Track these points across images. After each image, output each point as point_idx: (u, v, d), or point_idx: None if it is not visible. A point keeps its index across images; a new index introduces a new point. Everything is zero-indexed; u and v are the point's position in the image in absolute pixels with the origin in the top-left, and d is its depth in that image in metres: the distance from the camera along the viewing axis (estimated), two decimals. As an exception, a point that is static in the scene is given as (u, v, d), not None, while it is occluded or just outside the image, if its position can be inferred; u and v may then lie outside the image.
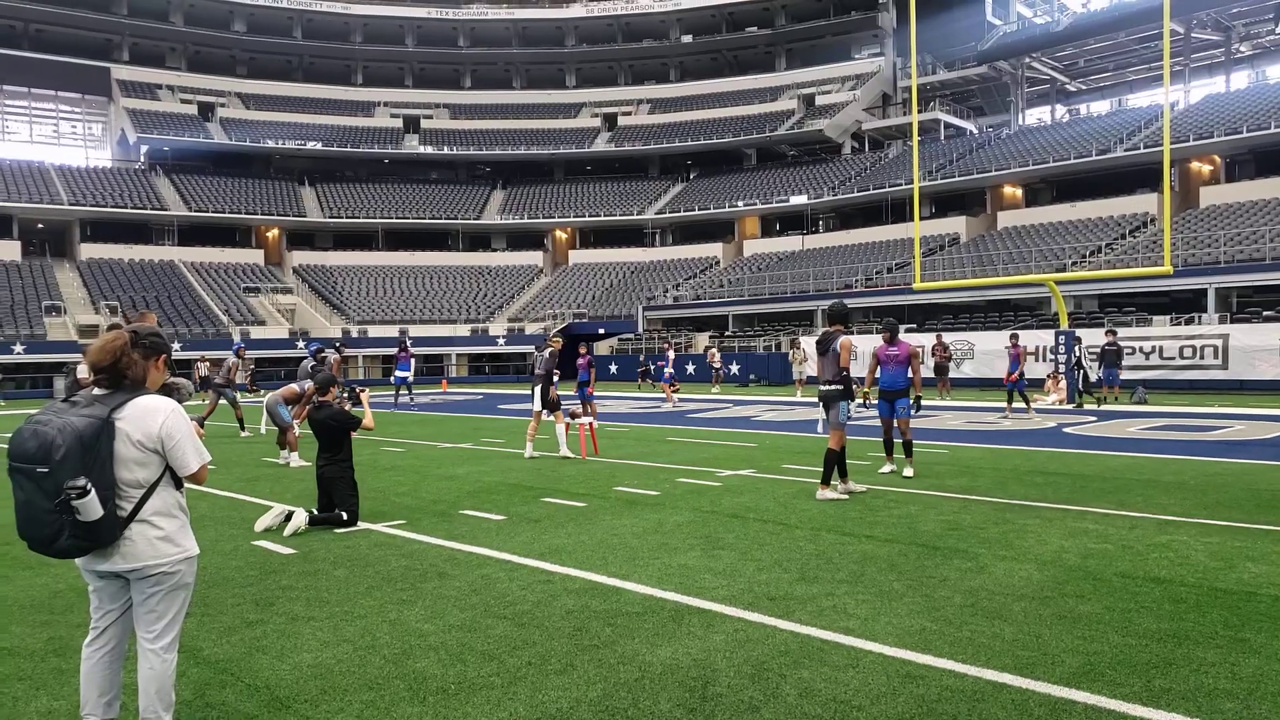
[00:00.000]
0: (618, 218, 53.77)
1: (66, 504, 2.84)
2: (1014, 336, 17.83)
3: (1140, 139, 38.12)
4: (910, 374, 9.64)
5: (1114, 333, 21.39)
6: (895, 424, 9.82)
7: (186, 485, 3.22)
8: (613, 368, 39.46)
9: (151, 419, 3.04)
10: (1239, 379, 22.41)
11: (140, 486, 3.04)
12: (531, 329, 44.22)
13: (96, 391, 3.07)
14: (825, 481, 8.33)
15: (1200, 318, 26.37)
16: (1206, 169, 37.40)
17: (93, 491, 2.87)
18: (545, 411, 12.08)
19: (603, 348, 41.75)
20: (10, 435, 3.08)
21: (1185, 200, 36.37)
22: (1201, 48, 45.88)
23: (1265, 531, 6.55)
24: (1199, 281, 27.15)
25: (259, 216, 50.83)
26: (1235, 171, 37.02)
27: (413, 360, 25.19)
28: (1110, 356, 20.32)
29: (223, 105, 56.90)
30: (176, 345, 32.89)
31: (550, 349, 12.34)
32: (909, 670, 3.97)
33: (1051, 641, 4.29)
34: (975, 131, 50.95)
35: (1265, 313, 25.09)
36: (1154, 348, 23.68)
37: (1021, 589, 5.19)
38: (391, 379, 24.57)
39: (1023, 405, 17.31)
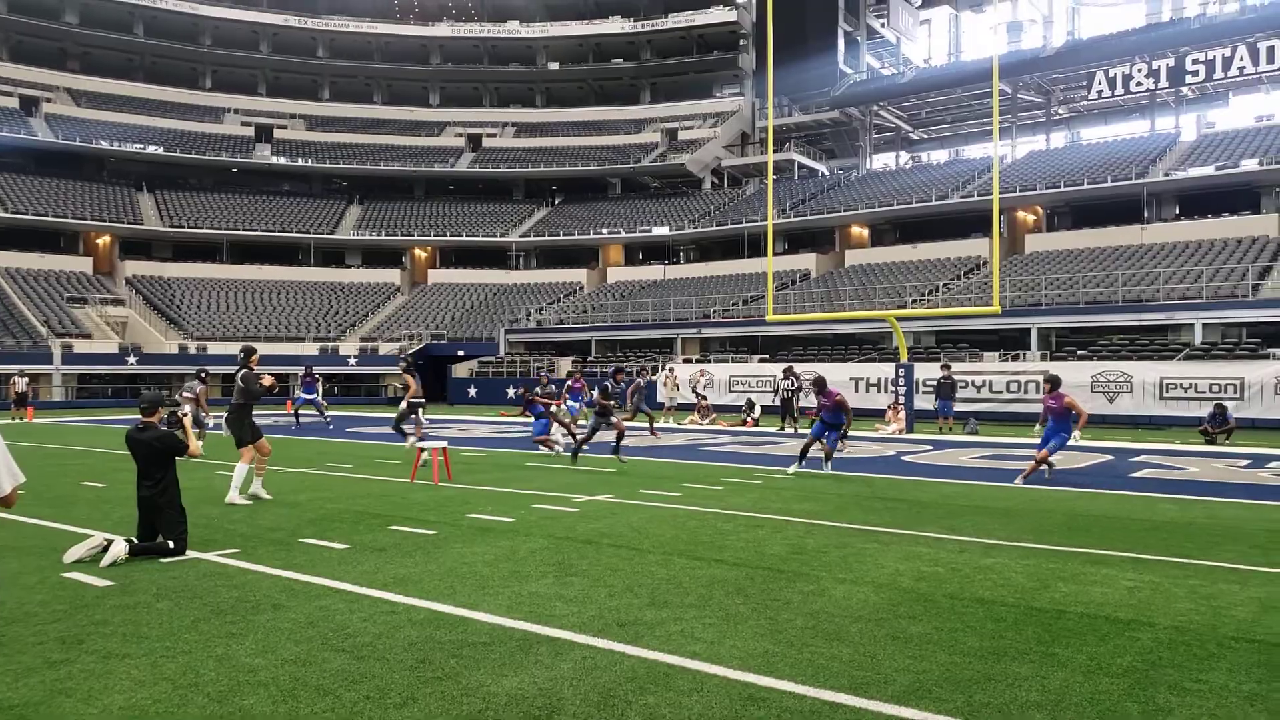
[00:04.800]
0: (480, 239, 53.21)
1: None
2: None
3: (974, 187, 41.17)
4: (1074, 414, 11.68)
5: (949, 367, 22.90)
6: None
7: None
8: (472, 390, 38.85)
9: None
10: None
11: None
12: (385, 349, 42.94)
13: None
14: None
15: (1025, 355, 28.54)
16: (1031, 218, 40.77)
17: None
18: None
19: (461, 370, 41.01)
20: None
21: (1013, 246, 39.46)
22: (1026, 107, 50.15)
23: (1077, 554, 7.10)
24: (1024, 321, 29.47)
25: (88, 222, 47.21)
26: (1055, 222, 40.56)
27: (318, 383, 25.10)
28: (945, 389, 21.69)
29: (49, 100, 52.78)
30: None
31: (247, 370, 10.25)
32: (751, 693, 4.05)
33: (885, 661, 4.48)
34: (827, 173, 53.67)
35: (1079, 352, 27.46)
36: (984, 382, 25.43)
37: (859, 610, 5.41)
38: (295, 400, 24.14)
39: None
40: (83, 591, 5.90)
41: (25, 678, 4.26)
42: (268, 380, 10.33)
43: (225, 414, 10.46)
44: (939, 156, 55.29)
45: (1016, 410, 24.88)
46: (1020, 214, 40.61)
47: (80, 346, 37.17)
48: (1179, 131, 42.81)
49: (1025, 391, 24.75)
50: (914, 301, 34.07)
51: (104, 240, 48.28)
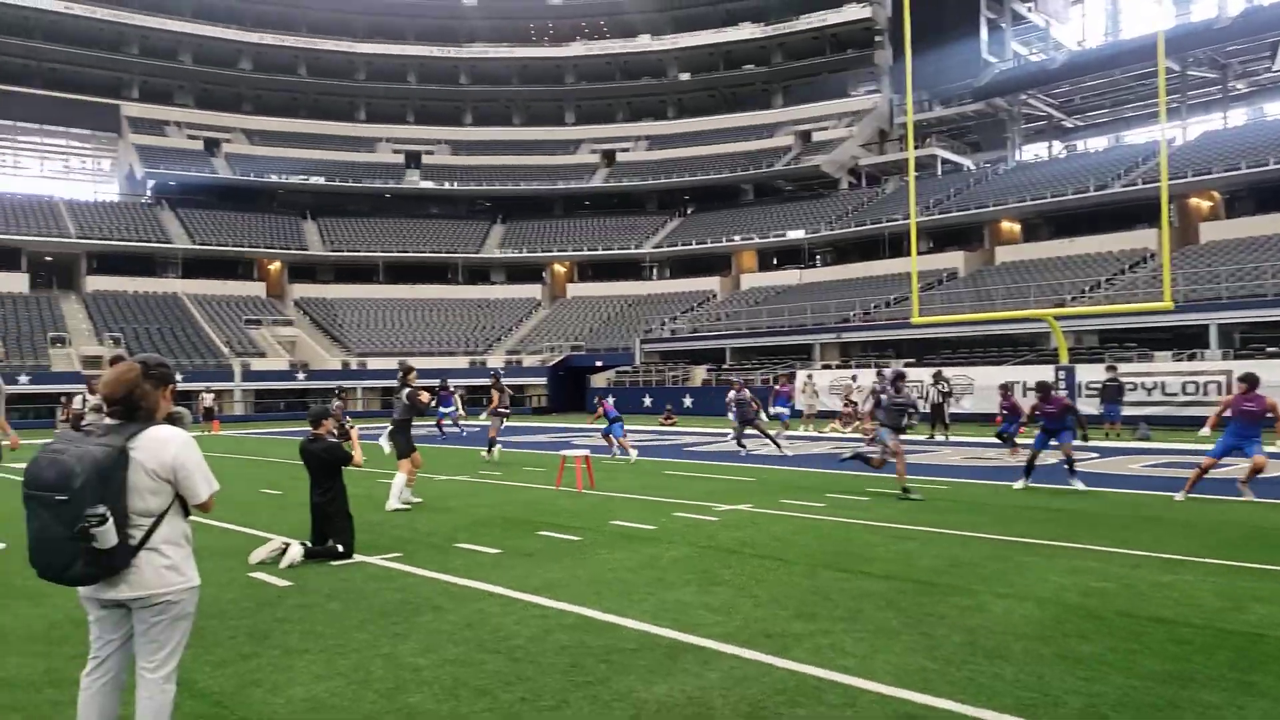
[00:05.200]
0: (615, 251, 54.07)
1: (85, 532, 2.87)
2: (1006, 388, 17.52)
3: (1138, 175, 38.38)
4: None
5: (1115, 368, 21.38)
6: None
7: (192, 515, 3.23)
8: (610, 400, 39.39)
9: (164, 449, 3.09)
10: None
11: (151, 515, 3.07)
12: (529, 361, 44.25)
13: (109, 422, 3.12)
14: None
15: (1203, 354, 26.34)
16: (1206, 205, 37.61)
17: (110, 519, 2.90)
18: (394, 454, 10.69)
19: (600, 379, 41.74)
20: (27, 465, 3.09)
21: (1185, 236, 36.53)
22: (1198, 85, 46.40)
23: (1273, 572, 6.47)
24: (1201, 317, 27.16)
25: (261, 249, 51.16)
26: (1235, 208, 37.21)
27: (455, 396, 26.41)
28: (1111, 392, 20.30)
29: (228, 141, 57.57)
30: (179, 376, 32.95)
31: (410, 388, 10.71)
32: (907, 710, 3.91)
33: (1053, 682, 4.23)
34: (972, 167, 51.36)
35: (1269, 349, 25.06)
36: (1156, 384, 23.62)
37: (1021, 627, 5.12)
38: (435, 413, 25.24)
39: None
40: (265, 591, 6.37)
41: (221, 668, 4.64)
42: (425, 396, 10.97)
43: (388, 427, 11.10)
44: (1097, 144, 52.02)
45: (1194, 414, 22.92)
46: (1193, 201, 37.54)
47: (256, 364, 40.22)
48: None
49: (1204, 393, 22.83)
50: (1073, 299, 32.10)
51: (275, 266, 52.16)
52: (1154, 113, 46.38)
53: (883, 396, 12.32)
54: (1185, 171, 36.34)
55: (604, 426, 16.88)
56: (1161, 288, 19.91)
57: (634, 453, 16.24)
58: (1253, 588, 6.01)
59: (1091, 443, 18.86)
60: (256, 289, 50.49)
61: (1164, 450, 16.66)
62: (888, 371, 13.81)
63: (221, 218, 52.79)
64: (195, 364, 38.06)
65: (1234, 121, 45.17)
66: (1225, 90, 45.86)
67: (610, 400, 17.70)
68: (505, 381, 18.91)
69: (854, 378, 25.77)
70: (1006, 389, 17.59)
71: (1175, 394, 23.26)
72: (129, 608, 3.10)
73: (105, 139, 56.88)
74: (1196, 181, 36.39)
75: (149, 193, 53.38)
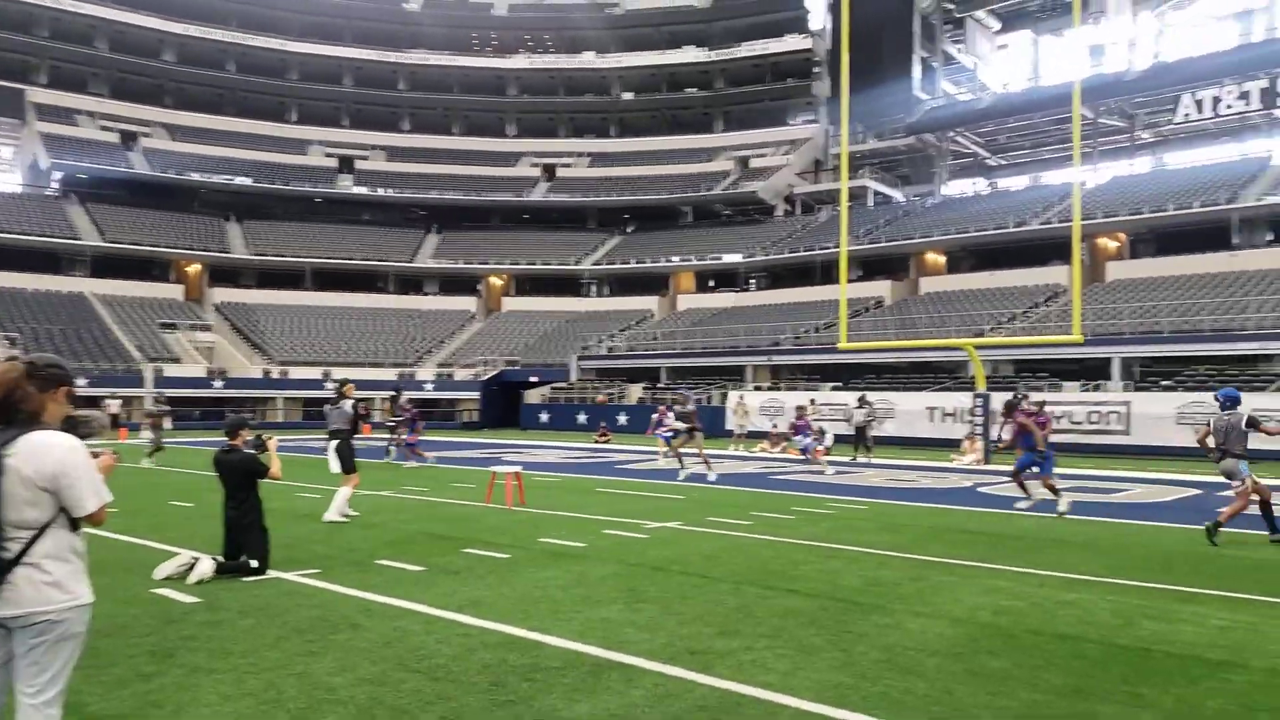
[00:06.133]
0: (554, 266, 53.95)
1: None
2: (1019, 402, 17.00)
3: (1054, 214, 40.08)
4: None
5: (1027, 397, 22.16)
6: None
7: (85, 528, 3.04)
8: (544, 416, 39.28)
9: (45, 455, 2.86)
10: (1142, 444, 23.40)
11: (29, 527, 2.85)
12: (461, 374, 43.73)
13: None
14: None
15: (1106, 385, 27.55)
16: (1113, 245, 39.46)
17: None
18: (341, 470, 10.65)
19: (534, 395, 41.49)
20: None
21: (1094, 274, 38.22)
22: (1109, 132, 48.69)
23: (1163, 590, 6.81)
24: (1106, 350, 28.46)
25: (180, 250, 49.40)
26: (1138, 249, 39.16)
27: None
28: (1024, 420, 20.99)
29: (147, 135, 55.58)
30: (82, 381, 31.50)
31: (348, 400, 10.94)
32: (825, 727, 3.98)
33: (963, 697, 4.36)
34: (902, 199, 52.94)
35: (1163, 382, 26.39)
36: (1064, 413, 24.61)
37: (936, 645, 5.27)
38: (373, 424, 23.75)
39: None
40: (172, 607, 6.13)
41: (118, 689, 4.44)
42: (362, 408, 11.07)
43: (331, 440, 10.90)
44: (1018, 183, 54.06)
45: (1098, 441, 24.02)
46: (1102, 241, 39.36)
47: (170, 370, 38.76)
48: (1271, 155, 40.97)
49: (1107, 422, 23.87)
50: (991, 330, 33.24)
51: (194, 268, 50.44)
52: (1069, 156, 48.35)
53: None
54: (1096, 213, 38.09)
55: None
56: (1072, 321, 20.77)
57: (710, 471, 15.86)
58: (1144, 605, 6.31)
59: (1003, 466, 19.52)
60: (173, 291, 48.68)
61: (1072, 475, 17.32)
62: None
63: (137, 215, 50.79)
64: (102, 368, 36.46)
65: (1139, 169, 47.54)
66: (1132, 139, 48.29)
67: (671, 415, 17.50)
68: (424, 396, 18.82)
69: (812, 400, 26.17)
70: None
71: (1081, 422, 24.27)
72: (8, 628, 2.87)
73: (7, 125, 54.15)
74: (1105, 223, 38.21)
75: (55, 185, 51.03)
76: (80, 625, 2.96)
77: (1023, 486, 12.25)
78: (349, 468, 10.53)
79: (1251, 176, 37.82)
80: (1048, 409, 14.86)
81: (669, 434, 19.31)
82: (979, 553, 8.48)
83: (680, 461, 16.21)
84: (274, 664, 4.85)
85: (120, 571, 7.21)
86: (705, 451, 16.26)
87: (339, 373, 38.69)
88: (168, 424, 21.42)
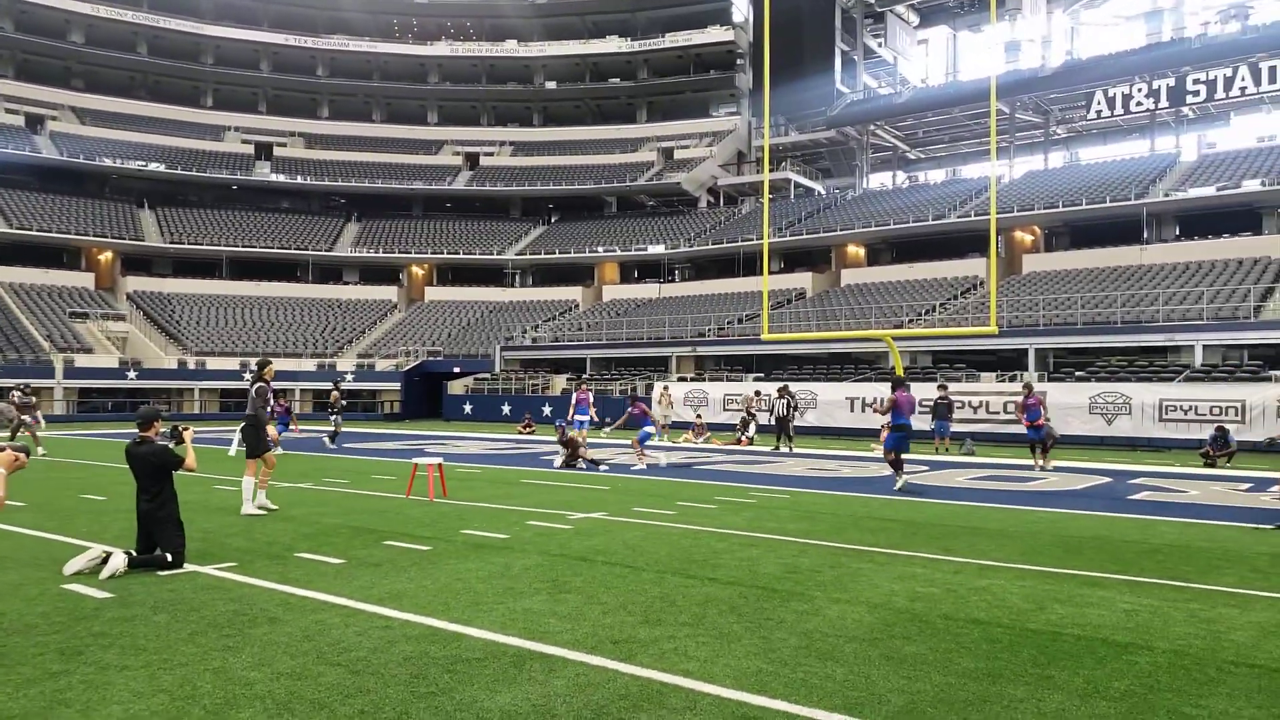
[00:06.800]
0: (477, 257, 53.37)
1: None
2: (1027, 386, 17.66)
3: (971, 207, 41.35)
4: None
5: (945, 387, 22.93)
6: None
7: None
8: (467, 407, 38.90)
9: None
10: (1057, 434, 24.30)
11: None
12: (382, 365, 42.96)
13: None
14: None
15: (1022, 375, 28.56)
16: (1029, 238, 40.91)
17: None
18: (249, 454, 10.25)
19: (457, 386, 41.02)
20: None
21: (1010, 266, 39.60)
22: (1024, 127, 50.44)
23: (1073, 576, 7.11)
24: (1021, 342, 29.52)
25: (90, 238, 47.34)
26: (1053, 242, 40.69)
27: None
28: (941, 410, 21.72)
29: (54, 118, 53.08)
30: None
31: (261, 385, 10.50)
32: (744, 712, 4.06)
33: (879, 681, 4.50)
34: (823, 192, 53.90)
35: (1077, 373, 27.49)
36: (981, 402, 25.46)
37: (853, 630, 5.42)
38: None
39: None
40: (82, 603, 5.91)
41: (25, 689, 4.28)
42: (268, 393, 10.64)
43: (240, 425, 10.62)
44: (936, 176, 55.56)
45: (1013, 431, 24.88)
46: (1018, 234, 40.77)
47: (81, 361, 37.19)
48: (1179, 152, 42.89)
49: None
50: (910, 321, 34.16)
51: (106, 256, 48.38)
52: (987, 150, 50.10)
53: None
54: (1012, 207, 39.46)
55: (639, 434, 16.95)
56: (989, 313, 21.47)
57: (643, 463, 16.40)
58: (1053, 589, 6.59)
59: (921, 456, 20.13)
60: (84, 280, 46.65)
61: (987, 465, 17.96)
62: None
63: (44, 201, 48.52)
64: (9, 359, 34.78)
65: (1054, 163, 49.38)
66: (1047, 134, 50.11)
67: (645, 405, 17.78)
68: (345, 386, 18.42)
69: (757, 392, 26.49)
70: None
71: (997, 412, 25.14)
72: None
73: (-100, 107, 51.23)
74: (1021, 216, 39.60)
75: (-47, 169, 48.42)
76: None
77: (895, 466, 13.16)
78: (251, 452, 10.10)
79: (1161, 172, 39.57)
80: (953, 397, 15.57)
81: (581, 423, 19.44)
82: (895, 540, 8.73)
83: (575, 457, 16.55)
84: (189, 659, 4.73)
85: (28, 568, 6.89)
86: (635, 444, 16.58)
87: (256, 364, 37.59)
88: (39, 416, 20.57)
